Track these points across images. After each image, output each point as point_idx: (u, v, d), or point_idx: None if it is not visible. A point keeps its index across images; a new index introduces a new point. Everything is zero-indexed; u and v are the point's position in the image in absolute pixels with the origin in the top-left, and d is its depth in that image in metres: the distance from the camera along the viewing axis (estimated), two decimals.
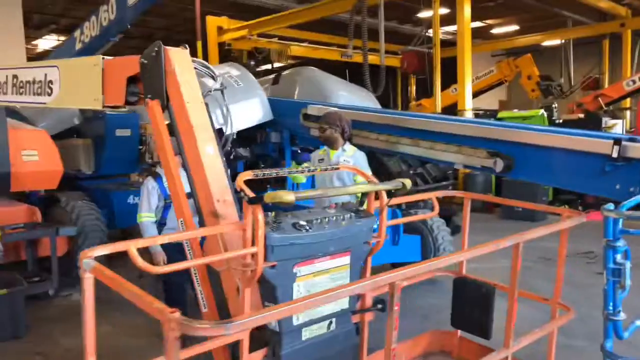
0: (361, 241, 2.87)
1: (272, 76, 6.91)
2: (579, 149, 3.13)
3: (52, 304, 5.63)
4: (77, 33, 8.36)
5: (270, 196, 2.29)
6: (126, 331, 4.94)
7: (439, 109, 12.33)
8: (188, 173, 3.26)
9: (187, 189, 4.10)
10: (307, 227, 2.57)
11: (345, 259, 2.82)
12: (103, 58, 3.72)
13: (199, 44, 16.09)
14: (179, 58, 3.39)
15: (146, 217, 4.10)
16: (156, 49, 3.34)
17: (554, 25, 17.96)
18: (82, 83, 3.97)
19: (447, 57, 13.32)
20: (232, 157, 6.03)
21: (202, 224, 3.16)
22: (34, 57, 20.57)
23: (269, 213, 2.54)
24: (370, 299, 3.07)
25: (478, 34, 20.44)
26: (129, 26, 7.40)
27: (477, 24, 19.08)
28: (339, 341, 2.86)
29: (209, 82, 5.17)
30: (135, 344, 4.64)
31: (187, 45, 3.52)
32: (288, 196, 2.28)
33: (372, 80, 12.16)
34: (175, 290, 4.13)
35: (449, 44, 15.39)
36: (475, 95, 16.65)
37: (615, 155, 2.90)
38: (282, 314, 1.70)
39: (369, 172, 4.40)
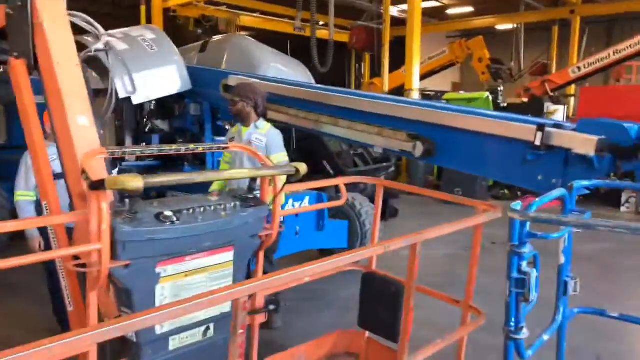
0: (247, 234, 2.46)
1: (199, 43, 6.35)
2: (501, 135, 2.81)
3: None
4: None
5: (111, 181, 1.85)
6: (16, 322, 4.42)
7: (386, 88, 12.00)
8: (57, 147, 2.77)
9: None
10: (174, 219, 2.14)
11: (228, 255, 2.41)
12: None
13: (143, 9, 15.18)
14: (50, 9, 2.85)
15: (22, 195, 3.57)
16: None
17: (507, 9, 17.88)
18: None
19: (400, 35, 12.98)
20: (147, 129, 5.51)
21: (72, 207, 2.69)
22: None
23: (127, 200, 2.09)
24: (262, 298, 2.68)
25: (433, 14, 20.17)
26: None
27: (433, 3, 18.80)
28: (218, 349, 2.46)
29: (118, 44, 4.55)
30: (20, 338, 4.14)
31: None
32: (133, 182, 1.83)
33: (320, 55, 11.72)
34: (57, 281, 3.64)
35: (402, 22, 14.99)
36: (427, 75, 16.49)
37: (537, 142, 2.59)
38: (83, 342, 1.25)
39: (283, 152, 4.01)
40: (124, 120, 5.42)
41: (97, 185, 1.87)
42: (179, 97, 5.45)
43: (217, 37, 6.42)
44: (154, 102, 5.57)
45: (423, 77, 16.24)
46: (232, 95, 3.97)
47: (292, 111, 4.15)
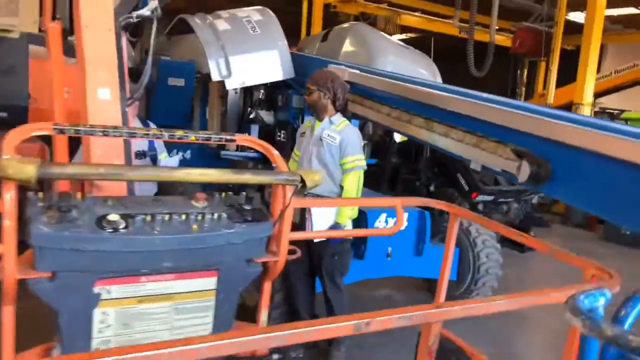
0: (238, 258, 1.84)
1: (323, 32, 5.87)
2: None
3: None
4: None
5: (3, 165, 1.36)
6: None
7: (550, 101, 10.38)
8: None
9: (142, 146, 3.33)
10: (119, 225, 1.60)
11: (208, 282, 1.82)
12: None
13: (305, 4, 15.33)
14: None
15: None
16: None
17: None
18: (27, 2, 3.34)
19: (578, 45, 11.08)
20: (250, 118, 5.18)
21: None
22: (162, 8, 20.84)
23: (55, 195, 1.61)
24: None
25: (630, 22, 17.32)
26: None
27: (630, 10, 16.07)
28: None
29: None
30: None
31: None
32: (22, 169, 1.33)
33: (478, 59, 10.56)
34: None
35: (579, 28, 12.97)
36: (612, 91, 14.07)
37: None
38: None
39: (359, 155, 3.36)
40: (227, 107, 5.16)
41: None
42: (285, 88, 5.03)
43: (340, 26, 5.88)
44: (263, 91, 5.24)
45: (606, 93, 13.94)
46: (309, 83, 3.39)
47: (384, 109, 3.41)
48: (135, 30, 9.24)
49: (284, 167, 1.88)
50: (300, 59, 4.68)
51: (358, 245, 3.93)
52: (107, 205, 1.69)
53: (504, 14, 11.43)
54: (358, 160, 3.36)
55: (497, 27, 10.96)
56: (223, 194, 1.88)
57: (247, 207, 1.84)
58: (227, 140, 1.91)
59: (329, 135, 3.33)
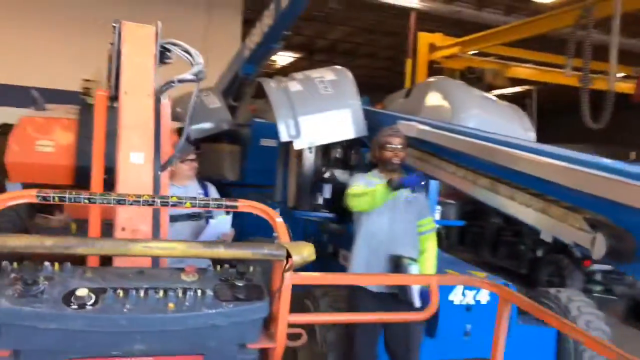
0: (228, 342, 1.61)
1: (406, 89, 5.66)
2: None
3: None
4: (247, 40, 8.33)
5: None
6: None
7: None
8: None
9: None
10: (86, 302, 1.46)
11: None
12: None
13: (409, 62, 15.30)
14: (133, 35, 2.63)
15: None
16: (114, 24, 2.67)
17: None
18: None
19: None
20: (325, 177, 5.03)
21: None
22: (275, 72, 22.05)
23: (29, 264, 1.51)
24: None
25: None
26: (285, 32, 7.00)
27: None
28: None
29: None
30: None
31: (159, 22, 2.73)
32: None
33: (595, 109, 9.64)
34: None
35: None
36: None
37: None
38: None
39: (433, 216, 3.13)
40: (302, 166, 5.06)
41: None
42: (361, 146, 4.84)
43: (424, 81, 5.63)
44: (340, 150, 5.12)
45: None
46: (399, 140, 3.29)
47: (451, 167, 3.07)
48: (237, 95, 9.47)
49: (284, 238, 1.64)
50: (372, 116, 4.49)
51: (428, 321, 3.49)
52: (85, 277, 1.56)
53: (623, 58, 10.39)
54: (433, 222, 3.29)
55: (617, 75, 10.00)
56: (218, 267, 1.68)
57: (240, 284, 1.62)
58: (227, 207, 1.73)
59: (414, 195, 3.16)
